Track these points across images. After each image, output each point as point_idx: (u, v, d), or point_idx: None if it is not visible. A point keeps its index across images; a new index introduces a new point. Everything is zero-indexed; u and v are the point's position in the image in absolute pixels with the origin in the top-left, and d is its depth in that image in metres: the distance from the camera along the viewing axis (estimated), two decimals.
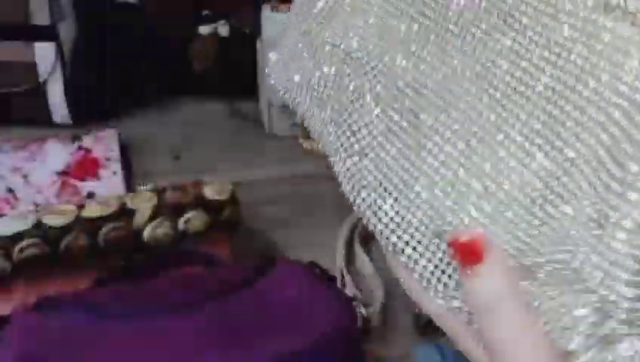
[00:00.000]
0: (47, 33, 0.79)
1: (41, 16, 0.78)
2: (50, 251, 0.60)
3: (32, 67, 0.80)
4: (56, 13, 0.79)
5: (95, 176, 0.76)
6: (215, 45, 0.86)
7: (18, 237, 0.59)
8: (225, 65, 0.88)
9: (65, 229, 0.60)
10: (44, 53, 0.80)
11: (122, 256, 0.61)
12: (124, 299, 0.54)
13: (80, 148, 0.78)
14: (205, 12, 0.86)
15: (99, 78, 0.84)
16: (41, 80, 0.80)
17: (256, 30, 0.82)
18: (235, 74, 0.88)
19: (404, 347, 0.63)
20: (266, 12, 0.79)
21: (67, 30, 0.81)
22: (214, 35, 0.87)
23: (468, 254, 0.32)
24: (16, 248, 0.59)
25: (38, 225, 0.60)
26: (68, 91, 0.82)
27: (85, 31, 0.83)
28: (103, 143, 0.79)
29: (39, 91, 0.81)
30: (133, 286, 0.55)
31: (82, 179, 0.75)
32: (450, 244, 0.32)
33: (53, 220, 0.60)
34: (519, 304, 0.32)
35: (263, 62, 0.81)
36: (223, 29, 0.86)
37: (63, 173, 0.75)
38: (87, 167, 0.76)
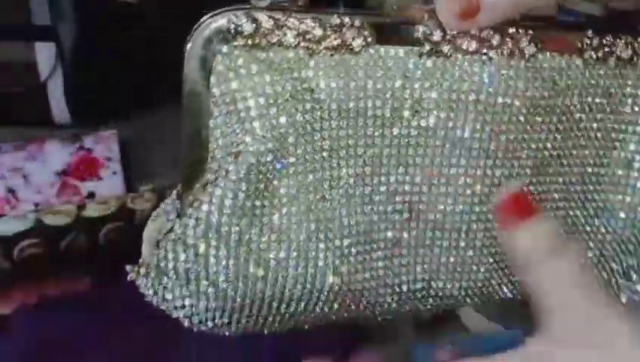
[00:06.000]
0: (48, 33, 0.79)
1: (41, 16, 0.78)
2: (51, 251, 0.60)
3: (32, 67, 0.80)
4: (57, 13, 0.79)
5: (95, 176, 0.76)
6: None
7: (18, 237, 0.59)
8: None
9: (65, 229, 0.60)
10: (44, 53, 0.80)
11: (122, 256, 0.61)
12: (123, 300, 0.54)
13: (80, 148, 0.78)
14: (205, 12, 0.86)
15: (99, 78, 0.84)
16: (41, 80, 0.80)
17: None
18: None
19: (404, 347, 0.63)
20: None
21: (67, 30, 0.81)
22: None
23: (521, 208, 0.33)
24: (17, 248, 0.59)
25: (39, 225, 0.60)
26: (68, 91, 0.82)
27: (86, 31, 0.83)
28: (104, 143, 0.79)
29: (39, 91, 0.81)
30: (133, 287, 0.55)
31: (82, 179, 0.75)
32: (500, 208, 0.33)
33: (53, 220, 0.60)
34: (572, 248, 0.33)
35: None
36: None
37: (63, 173, 0.75)
38: (87, 167, 0.76)
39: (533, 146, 0.36)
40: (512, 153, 0.36)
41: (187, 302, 0.36)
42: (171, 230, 0.36)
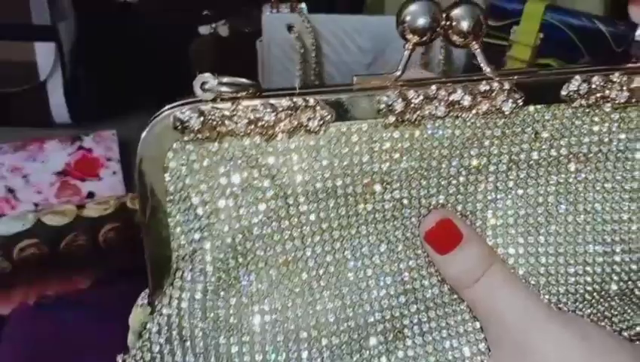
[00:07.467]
0: (48, 33, 0.79)
1: (41, 16, 0.78)
2: (50, 251, 0.60)
3: (32, 67, 0.80)
4: (57, 13, 0.79)
5: (95, 176, 0.76)
6: (215, 45, 0.86)
7: (18, 237, 0.59)
8: (224, 66, 0.88)
9: (65, 229, 0.60)
10: (44, 53, 0.80)
11: (122, 256, 0.61)
12: (123, 299, 0.54)
13: (80, 148, 0.78)
14: (205, 12, 0.86)
15: (99, 78, 0.84)
16: (41, 80, 0.81)
17: (256, 30, 0.82)
18: (235, 74, 0.88)
19: None
20: (267, 12, 0.79)
21: (67, 30, 0.81)
22: (214, 35, 0.87)
23: (446, 236, 0.33)
24: (16, 248, 0.59)
25: (38, 225, 0.60)
26: (68, 91, 0.82)
27: (85, 31, 0.83)
28: (103, 143, 0.79)
29: (39, 91, 0.81)
30: (133, 287, 0.55)
31: (82, 179, 0.75)
32: (425, 239, 0.32)
33: (53, 220, 0.60)
34: (504, 264, 0.33)
35: (263, 62, 0.81)
36: (223, 29, 0.86)
37: (63, 173, 0.75)
38: (87, 167, 0.76)
39: (519, 203, 0.34)
40: None
41: None
42: (144, 328, 0.34)
